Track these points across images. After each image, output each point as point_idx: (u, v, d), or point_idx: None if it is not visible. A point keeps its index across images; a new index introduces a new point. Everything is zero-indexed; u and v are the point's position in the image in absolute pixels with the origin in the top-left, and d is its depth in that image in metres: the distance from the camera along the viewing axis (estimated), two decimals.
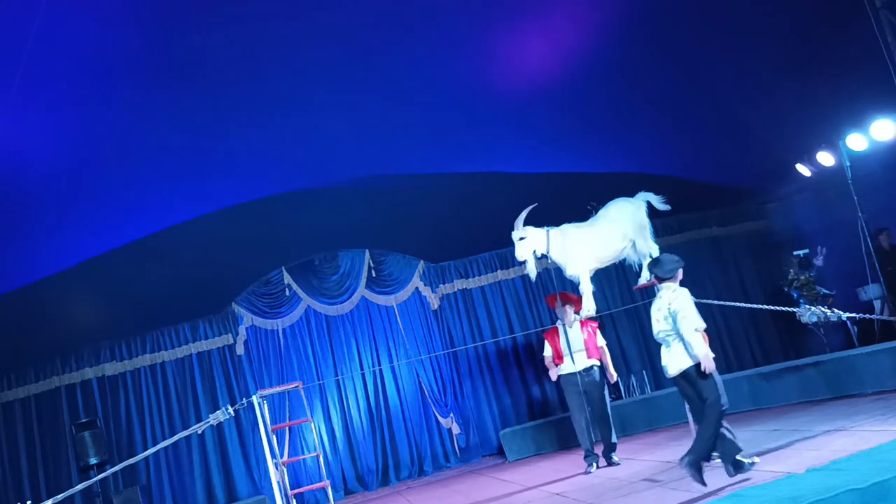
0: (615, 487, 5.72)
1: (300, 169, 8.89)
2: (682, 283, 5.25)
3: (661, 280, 5.23)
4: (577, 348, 7.02)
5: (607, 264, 6.68)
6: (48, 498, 4.09)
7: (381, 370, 10.53)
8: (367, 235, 10.63)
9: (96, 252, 8.73)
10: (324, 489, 9.20)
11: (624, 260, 6.62)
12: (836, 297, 10.02)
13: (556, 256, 6.39)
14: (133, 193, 7.93)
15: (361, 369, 10.44)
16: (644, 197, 6.52)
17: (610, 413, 7.07)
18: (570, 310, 7.10)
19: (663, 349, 5.14)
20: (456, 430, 10.53)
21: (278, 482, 7.13)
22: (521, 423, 10.27)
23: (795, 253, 10.55)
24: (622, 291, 11.03)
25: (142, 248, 8.89)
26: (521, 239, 6.30)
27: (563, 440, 9.40)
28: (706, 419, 4.85)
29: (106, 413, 9.69)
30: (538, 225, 6.45)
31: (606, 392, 7.16)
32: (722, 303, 7.57)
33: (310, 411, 9.78)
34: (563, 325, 7.13)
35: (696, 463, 4.72)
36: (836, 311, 5.71)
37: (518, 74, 7.71)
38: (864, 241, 8.24)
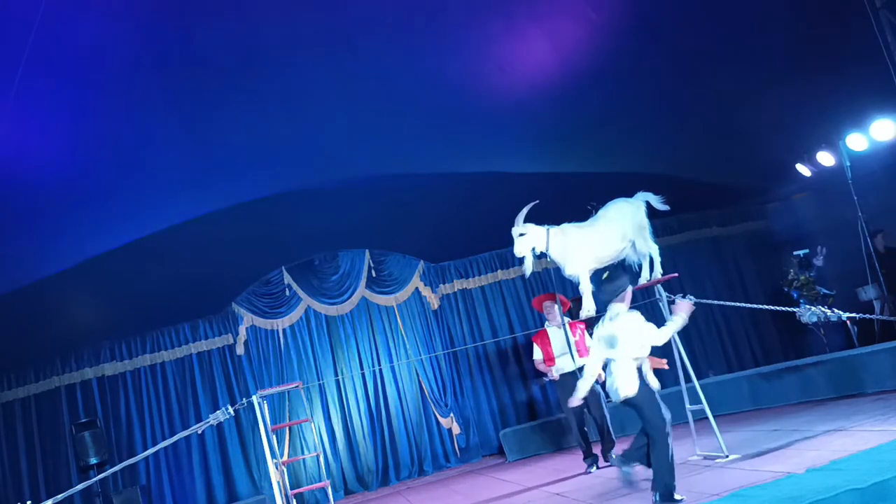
0: (615, 487, 5.71)
1: (300, 169, 8.88)
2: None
3: (606, 303, 5.11)
4: (563, 350, 7.06)
5: (607, 264, 6.67)
6: (48, 498, 4.09)
7: (381, 370, 10.53)
8: (367, 235, 10.62)
9: (96, 252, 8.72)
10: (324, 489, 9.21)
11: (624, 260, 6.61)
12: (836, 297, 10.03)
13: (556, 255, 6.38)
14: (133, 193, 7.92)
15: (361, 369, 10.44)
16: (643, 197, 6.51)
17: (607, 412, 7.06)
18: (557, 309, 7.13)
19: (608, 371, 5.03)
20: (456, 430, 10.53)
21: (278, 482, 7.13)
22: (521, 423, 10.27)
23: (795, 253, 10.55)
24: None
25: (142, 248, 8.87)
26: (521, 235, 6.29)
27: (563, 440, 9.40)
28: (655, 445, 4.79)
29: (106, 413, 9.69)
30: (538, 224, 6.45)
31: (601, 391, 7.16)
32: (722, 303, 7.56)
33: (310, 411, 9.79)
34: (553, 326, 7.18)
35: (668, 495, 4.67)
36: (836, 311, 5.71)
37: (518, 74, 7.71)
38: (864, 241, 8.24)
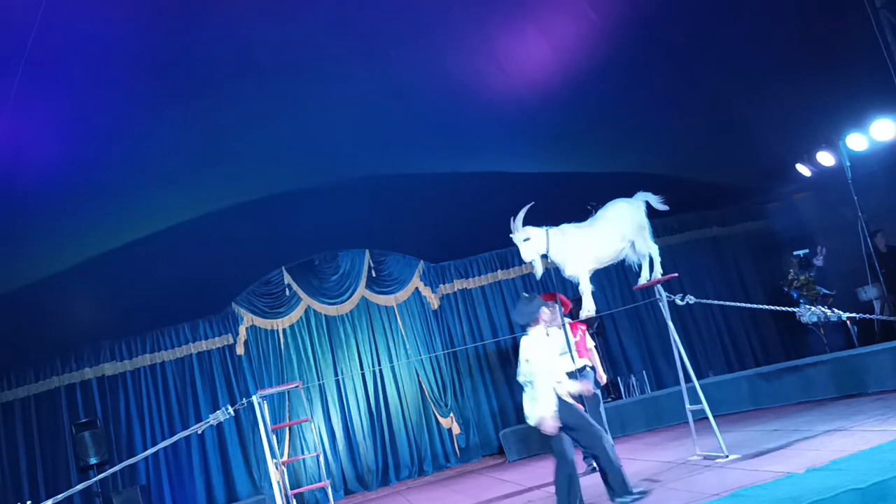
0: None
1: (300, 169, 8.89)
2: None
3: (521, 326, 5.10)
4: (569, 350, 7.02)
5: (606, 264, 6.68)
6: (48, 498, 4.09)
7: (381, 370, 10.53)
8: (367, 235, 10.63)
9: (96, 252, 8.73)
10: (324, 489, 9.20)
11: (623, 260, 6.61)
12: (836, 297, 10.03)
13: (556, 256, 6.38)
14: (133, 193, 7.93)
15: (361, 369, 10.44)
16: (643, 197, 6.51)
17: (604, 414, 7.03)
18: (558, 310, 7.11)
19: (525, 393, 5.02)
20: (456, 430, 10.53)
21: (278, 482, 7.13)
22: (522, 423, 10.24)
23: (795, 253, 10.56)
24: (622, 291, 11.03)
25: (142, 248, 8.88)
26: (526, 240, 6.29)
27: None
28: (602, 461, 4.84)
29: (106, 413, 9.69)
30: (538, 225, 6.45)
31: (599, 393, 7.15)
32: (722, 303, 7.55)
33: (310, 411, 9.79)
34: (553, 326, 7.14)
35: (625, 494, 4.73)
36: (836, 311, 5.71)
37: (518, 75, 7.72)
38: (864, 241, 8.25)
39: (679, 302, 5.97)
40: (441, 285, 11.01)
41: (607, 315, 10.63)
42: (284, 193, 9.42)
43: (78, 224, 7.97)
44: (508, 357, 10.94)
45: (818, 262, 10.50)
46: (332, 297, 10.60)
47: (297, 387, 8.62)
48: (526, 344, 4.98)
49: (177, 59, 6.13)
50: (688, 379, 6.07)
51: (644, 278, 6.46)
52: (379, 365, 10.54)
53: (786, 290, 10.42)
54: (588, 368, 7.12)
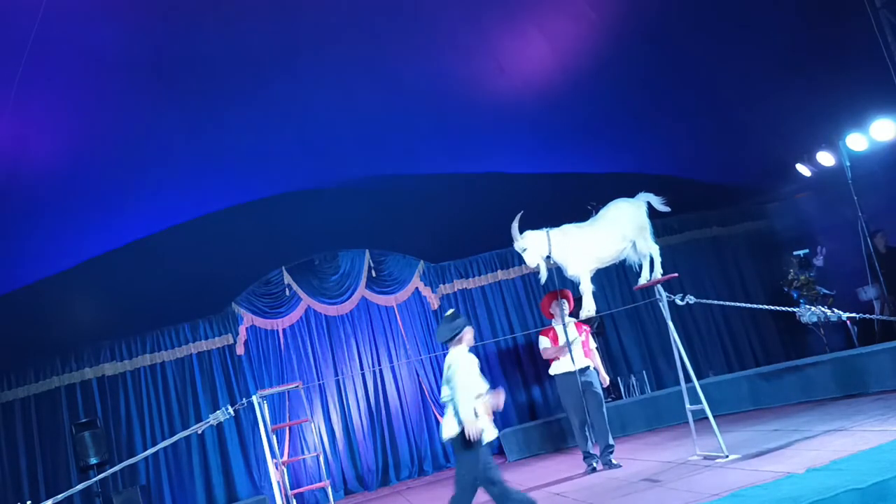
0: (615, 487, 5.71)
1: (300, 169, 8.89)
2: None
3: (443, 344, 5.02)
4: (569, 350, 7.01)
5: (608, 264, 6.68)
6: (48, 498, 4.08)
7: (381, 370, 10.52)
8: (367, 235, 10.63)
9: (96, 252, 8.73)
10: (324, 489, 9.21)
11: (624, 260, 6.62)
12: (836, 297, 10.03)
13: (558, 257, 6.39)
14: (133, 193, 7.93)
15: (361, 369, 10.44)
16: (644, 198, 6.52)
17: (606, 414, 7.03)
18: (566, 306, 7.11)
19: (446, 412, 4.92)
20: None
21: (278, 482, 7.14)
22: (522, 423, 10.26)
23: (795, 253, 10.56)
24: (622, 291, 11.03)
25: (142, 248, 8.89)
26: (524, 250, 6.31)
27: (564, 440, 9.41)
28: (456, 487, 4.67)
29: (106, 413, 9.68)
30: (538, 226, 6.46)
31: (602, 393, 7.14)
32: (722, 303, 7.56)
33: (310, 411, 9.79)
34: (559, 325, 7.13)
35: None
36: (836, 311, 5.71)
37: (518, 75, 7.72)
38: (864, 241, 8.25)
39: (679, 302, 5.98)
40: (441, 285, 11.01)
41: (607, 315, 10.63)
42: (284, 193, 9.43)
43: (78, 224, 7.97)
44: (509, 357, 10.94)
45: (818, 262, 10.50)
46: (332, 297, 10.60)
47: (297, 387, 8.62)
48: (448, 363, 4.90)
49: (177, 58, 6.13)
50: (688, 379, 6.07)
51: (644, 278, 6.46)
52: (379, 365, 10.53)
53: (786, 290, 10.43)
54: (592, 369, 7.12)
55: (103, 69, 5.91)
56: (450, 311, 5.07)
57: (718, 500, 4.13)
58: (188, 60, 6.18)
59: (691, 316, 11.08)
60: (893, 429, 5.09)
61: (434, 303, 10.94)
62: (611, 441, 6.93)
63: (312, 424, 9.58)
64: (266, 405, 7.64)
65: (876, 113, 8.35)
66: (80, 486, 4.33)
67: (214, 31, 5.93)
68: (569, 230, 6.44)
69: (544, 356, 7.34)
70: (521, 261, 6.51)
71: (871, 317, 7.36)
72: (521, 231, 6.32)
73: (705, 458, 5.85)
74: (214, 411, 4.82)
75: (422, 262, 11.02)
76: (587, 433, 6.97)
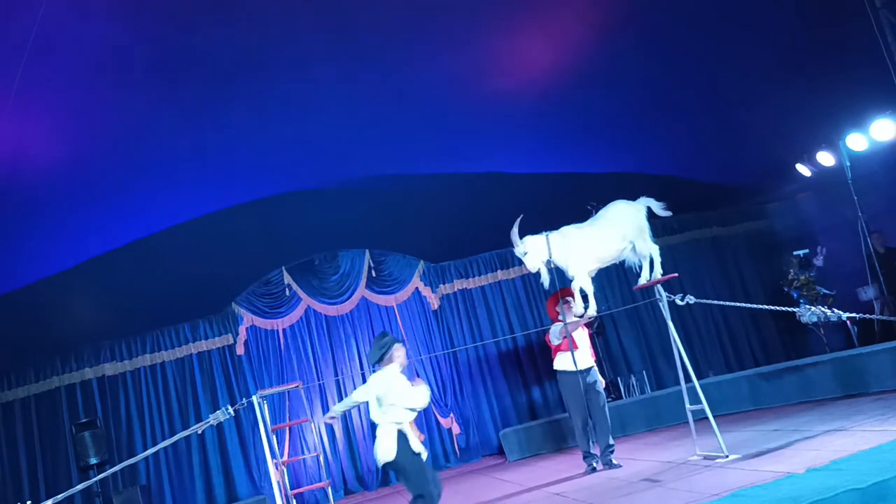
0: (615, 487, 5.71)
1: (300, 169, 8.89)
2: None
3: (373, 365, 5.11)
4: (579, 348, 6.99)
5: (607, 264, 6.69)
6: (48, 498, 4.08)
7: None
8: (367, 235, 10.63)
9: (96, 252, 8.74)
10: (324, 489, 9.21)
11: (624, 261, 6.62)
12: (836, 297, 10.03)
13: (558, 259, 6.40)
14: (133, 193, 7.93)
15: (361, 369, 10.43)
16: (645, 202, 6.52)
17: (608, 415, 7.03)
18: (573, 304, 7.09)
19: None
20: (456, 430, 10.53)
21: (278, 482, 7.14)
22: (522, 423, 10.27)
23: (795, 253, 10.56)
24: (622, 292, 11.03)
25: (142, 248, 8.89)
26: (525, 254, 6.32)
27: (563, 440, 9.41)
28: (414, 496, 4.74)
29: (106, 413, 9.69)
30: (538, 226, 6.46)
31: (604, 393, 7.13)
32: (722, 303, 7.55)
33: (310, 411, 9.78)
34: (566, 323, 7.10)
35: None
36: (836, 311, 5.71)
37: (518, 75, 7.71)
38: (864, 241, 8.25)
39: (679, 302, 5.98)
40: (441, 285, 11.01)
41: (607, 315, 10.63)
42: (284, 193, 9.43)
43: (78, 224, 7.98)
44: (509, 357, 10.95)
45: (818, 262, 10.50)
46: (332, 297, 10.60)
47: (297, 387, 8.61)
48: (376, 382, 4.96)
49: (177, 58, 6.13)
50: (688, 379, 6.07)
51: (644, 278, 6.46)
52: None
53: (786, 290, 10.43)
54: (594, 368, 7.12)
55: (103, 69, 5.90)
56: (381, 333, 5.13)
57: (718, 500, 4.13)
58: (188, 60, 6.18)
59: (691, 316, 11.09)
60: (893, 429, 5.09)
61: (434, 303, 10.94)
62: (611, 441, 6.92)
63: (312, 424, 9.58)
64: (266, 405, 7.64)
65: (876, 113, 8.35)
66: (80, 486, 4.33)
67: (215, 32, 5.93)
68: (568, 232, 6.45)
69: (552, 340, 7.23)
70: (521, 261, 6.50)
71: (871, 317, 7.37)
72: (521, 236, 6.33)
73: (705, 458, 5.85)
74: (214, 411, 4.82)
75: (422, 262, 11.02)
76: (588, 433, 6.96)
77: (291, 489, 8.18)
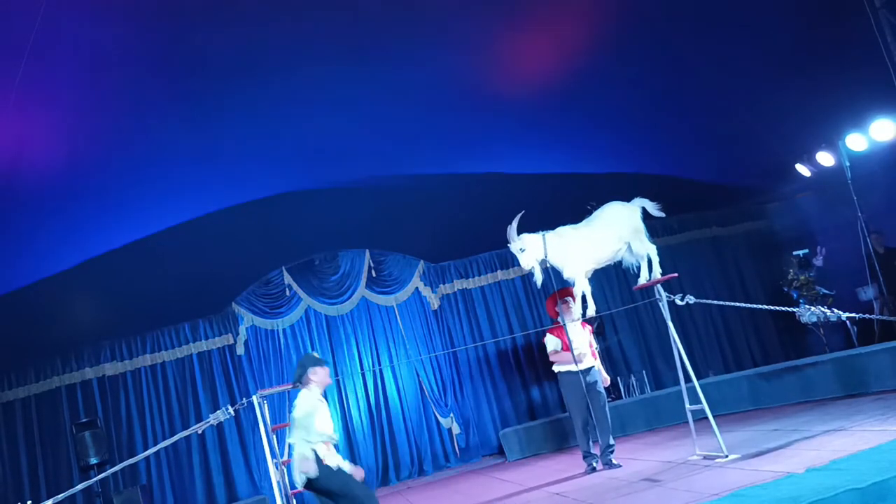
0: (615, 487, 5.72)
1: (300, 169, 8.89)
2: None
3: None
4: (579, 349, 6.98)
5: (604, 265, 6.70)
6: (48, 498, 4.09)
7: (381, 370, 10.53)
8: (367, 235, 10.63)
9: (96, 252, 8.73)
10: None
11: (622, 261, 6.63)
12: (836, 297, 10.03)
13: (554, 259, 6.40)
14: (133, 193, 7.92)
15: (361, 369, 10.44)
16: (639, 203, 6.53)
17: (608, 415, 7.03)
18: (572, 304, 7.09)
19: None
20: (456, 430, 10.53)
21: (278, 482, 7.13)
22: (521, 423, 10.27)
23: (795, 253, 10.57)
24: (622, 292, 11.03)
25: (142, 248, 8.88)
26: (522, 250, 6.31)
27: (563, 440, 9.41)
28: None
29: (106, 413, 9.69)
30: (537, 226, 6.46)
31: (604, 393, 7.13)
32: (722, 303, 7.56)
33: None
34: (566, 323, 7.09)
35: None
36: (835, 311, 5.71)
37: (518, 75, 7.71)
38: (864, 241, 8.25)
39: (679, 302, 5.98)
40: (441, 285, 11.02)
41: (607, 315, 10.63)
42: (284, 193, 9.42)
43: (78, 224, 7.97)
44: (509, 357, 10.95)
45: (818, 262, 10.50)
46: (332, 297, 10.61)
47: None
48: (297, 404, 5.03)
49: (177, 59, 6.13)
50: (687, 379, 6.08)
51: (643, 278, 6.47)
52: (379, 365, 10.54)
53: (786, 290, 10.43)
54: (595, 369, 7.11)
55: (103, 69, 5.90)
56: (305, 353, 5.16)
57: (718, 500, 4.13)
58: (188, 61, 6.18)
59: (691, 316, 11.09)
60: (893, 429, 5.10)
61: (434, 303, 10.94)
62: (611, 441, 6.93)
63: None
64: (266, 405, 7.61)
65: (876, 113, 8.35)
66: (80, 486, 4.34)
67: (215, 32, 5.93)
68: (564, 232, 6.45)
69: (552, 358, 7.29)
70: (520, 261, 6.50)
71: (871, 317, 7.37)
72: (519, 233, 6.33)
73: (705, 458, 5.86)
74: (214, 411, 4.84)
75: (422, 262, 11.03)
76: (589, 433, 6.96)
77: (291, 489, 8.17)
